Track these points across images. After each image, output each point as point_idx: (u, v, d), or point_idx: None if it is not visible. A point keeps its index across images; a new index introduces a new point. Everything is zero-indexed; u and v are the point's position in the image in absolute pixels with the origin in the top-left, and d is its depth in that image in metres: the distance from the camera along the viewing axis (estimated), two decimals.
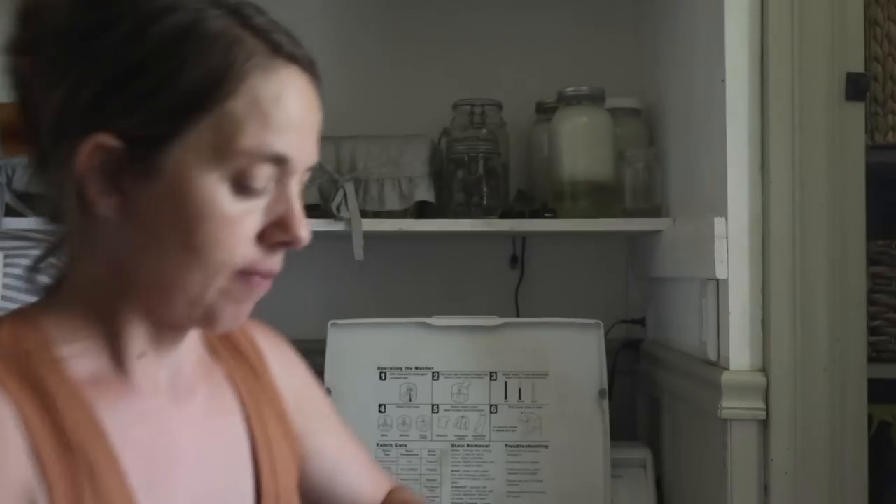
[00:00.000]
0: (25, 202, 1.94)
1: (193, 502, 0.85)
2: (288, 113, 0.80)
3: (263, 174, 0.79)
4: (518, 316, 2.15)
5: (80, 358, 0.81)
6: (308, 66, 0.83)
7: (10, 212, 1.91)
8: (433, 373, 1.89)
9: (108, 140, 0.77)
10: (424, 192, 1.93)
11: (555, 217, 1.94)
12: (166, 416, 0.85)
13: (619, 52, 2.18)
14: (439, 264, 2.19)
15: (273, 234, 0.82)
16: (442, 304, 2.02)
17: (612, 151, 1.95)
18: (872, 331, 1.62)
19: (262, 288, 0.83)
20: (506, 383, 1.88)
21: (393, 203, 1.92)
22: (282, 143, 0.79)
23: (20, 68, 0.81)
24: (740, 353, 1.51)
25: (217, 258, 0.79)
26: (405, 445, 1.86)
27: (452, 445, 1.86)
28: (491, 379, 1.88)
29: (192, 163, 0.78)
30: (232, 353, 0.96)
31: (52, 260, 0.88)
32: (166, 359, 0.87)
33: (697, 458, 1.70)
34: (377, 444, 1.84)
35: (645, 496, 1.87)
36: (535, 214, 1.96)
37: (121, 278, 0.81)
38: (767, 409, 1.49)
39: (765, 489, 1.49)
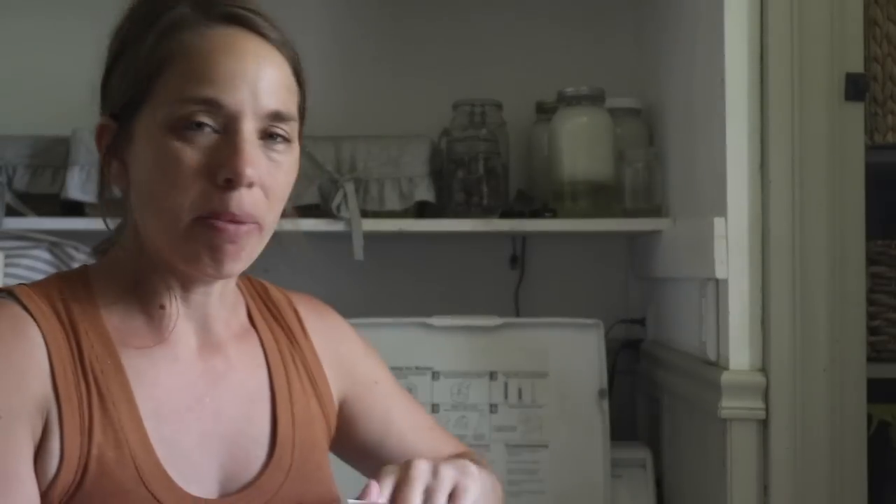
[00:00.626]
0: (25, 202, 1.94)
1: (202, 440, 0.95)
2: (217, 63, 0.91)
3: (200, 118, 0.90)
4: (518, 316, 2.15)
5: (112, 309, 0.95)
6: (249, 24, 0.94)
7: (11, 212, 1.91)
8: (433, 373, 1.89)
9: (105, 121, 0.95)
10: (424, 192, 1.93)
11: (555, 217, 1.94)
12: (187, 364, 0.97)
13: (619, 52, 2.18)
14: (439, 264, 2.19)
15: (216, 171, 0.90)
16: (442, 304, 2.02)
17: (612, 151, 1.95)
18: (872, 331, 1.62)
19: (229, 232, 0.91)
20: (506, 383, 1.88)
21: (393, 203, 1.92)
22: (209, 89, 0.90)
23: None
24: (740, 353, 1.51)
25: (174, 200, 0.90)
26: None
27: None
28: (491, 379, 1.89)
29: (149, 122, 0.91)
30: (272, 322, 1.07)
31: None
32: (192, 312, 0.98)
33: (697, 457, 1.70)
34: None
35: (645, 496, 1.87)
36: (535, 214, 1.96)
37: (138, 239, 0.96)
38: (767, 409, 1.49)
39: (765, 489, 1.49)
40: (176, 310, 0.97)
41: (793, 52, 1.49)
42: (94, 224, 1.95)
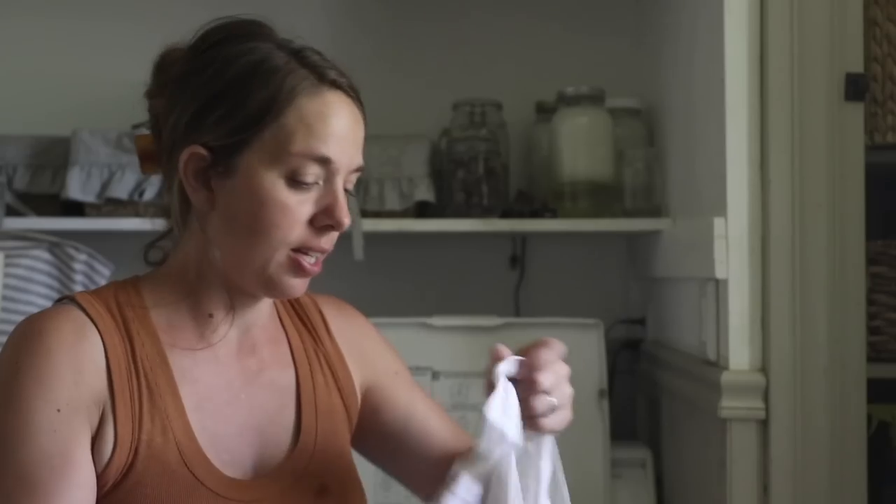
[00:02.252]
0: (25, 202, 1.94)
1: (238, 431, 1.07)
2: (329, 125, 1.03)
3: (311, 172, 1.02)
4: (518, 316, 2.15)
5: (162, 312, 1.07)
6: (350, 91, 1.06)
7: (11, 212, 1.91)
8: (433, 373, 1.89)
9: (198, 150, 1.03)
10: (424, 192, 1.93)
11: (555, 217, 1.94)
12: (226, 364, 1.09)
13: (619, 52, 2.18)
14: (439, 264, 2.19)
15: (320, 218, 1.04)
16: (442, 304, 2.02)
17: (612, 151, 1.95)
18: (872, 331, 1.62)
19: (314, 267, 1.06)
20: None
21: (393, 203, 1.92)
22: (323, 147, 1.02)
23: (155, 108, 1.10)
24: (740, 353, 1.51)
25: (275, 237, 1.02)
26: None
27: None
28: None
29: (257, 164, 1.02)
30: (299, 324, 1.19)
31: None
32: (238, 321, 1.10)
33: (697, 457, 1.70)
34: None
35: (645, 496, 1.87)
36: (535, 214, 1.96)
37: (206, 255, 1.06)
38: (767, 409, 1.49)
39: (765, 489, 1.49)
40: (224, 319, 1.09)
41: (793, 52, 1.49)
42: (93, 224, 1.97)
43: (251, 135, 1.02)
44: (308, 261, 1.05)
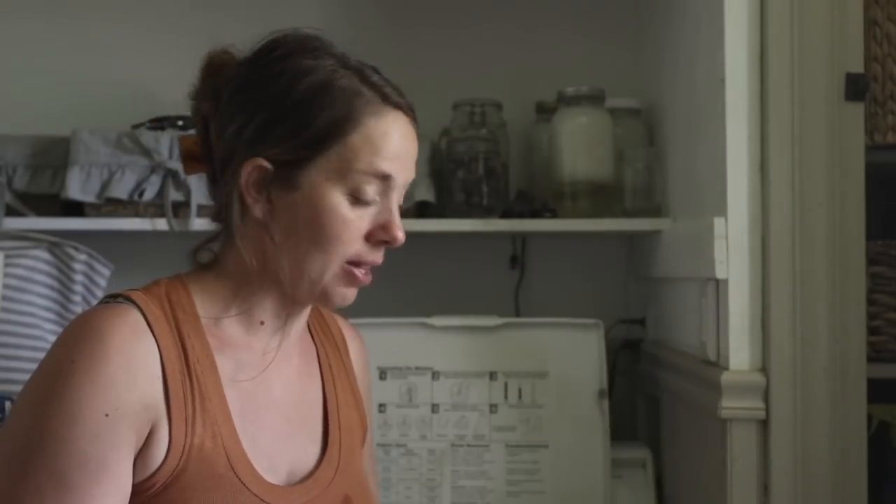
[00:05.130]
0: (25, 202, 1.94)
1: (275, 436, 1.10)
2: (392, 144, 1.07)
3: (372, 189, 1.06)
4: (518, 316, 2.15)
5: (212, 315, 1.08)
6: (409, 111, 1.11)
7: (11, 212, 1.91)
8: (433, 373, 1.89)
9: (263, 163, 1.05)
10: (424, 192, 1.93)
11: (555, 217, 1.94)
12: (268, 371, 1.11)
13: (619, 52, 2.18)
14: (439, 264, 2.19)
15: (377, 234, 1.08)
16: (442, 304, 2.02)
17: (612, 151, 1.95)
18: (872, 331, 1.62)
19: (366, 277, 1.10)
20: (506, 383, 1.88)
21: None
22: (386, 165, 1.06)
23: (203, 110, 1.11)
24: (740, 353, 1.51)
25: (336, 250, 1.06)
26: (405, 445, 1.86)
27: (452, 445, 1.86)
28: (491, 379, 1.89)
29: (322, 180, 1.05)
30: (324, 336, 1.23)
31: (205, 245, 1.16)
32: (281, 330, 1.12)
33: (697, 457, 1.70)
34: (377, 445, 1.84)
35: (645, 496, 1.87)
36: (535, 214, 1.96)
37: (262, 264, 1.08)
38: (767, 409, 1.49)
39: (765, 489, 1.49)
40: (274, 327, 1.12)
41: (793, 52, 1.49)
42: (93, 224, 1.97)
43: (316, 153, 1.05)
44: (360, 272, 1.09)
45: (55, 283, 1.86)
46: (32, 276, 1.85)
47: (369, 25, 2.19)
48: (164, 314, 1.05)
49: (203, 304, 1.09)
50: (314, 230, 1.06)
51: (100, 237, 1.95)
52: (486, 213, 1.94)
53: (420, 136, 2.04)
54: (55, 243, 1.88)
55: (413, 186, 1.91)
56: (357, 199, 1.06)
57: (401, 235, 1.09)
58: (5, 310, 1.82)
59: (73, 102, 2.11)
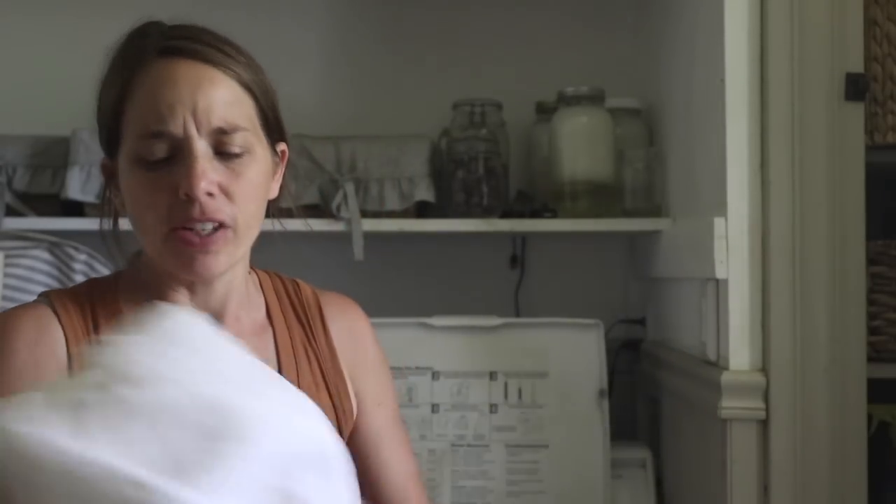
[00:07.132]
0: (25, 202, 1.94)
1: None
2: (157, 97, 1.04)
3: (156, 149, 1.04)
4: (518, 316, 2.15)
5: (131, 305, 1.09)
6: (185, 52, 1.06)
7: (11, 212, 1.91)
8: (433, 373, 1.89)
9: (105, 161, 1.12)
10: (424, 192, 1.93)
11: (555, 217, 1.94)
12: None
13: (619, 52, 2.18)
14: (439, 264, 2.19)
15: (178, 191, 1.04)
16: (442, 304, 2.02)
17: (612, 151, 1.95)
18: (872, 331, 1.62)
19: (198, 244, 1.04)
20: (506, 383, 1.88)
21: (393, 203, 1.92)
22: (156, 123, 1.03)
23: None
24: (740, 353, 1.51)
25: (150, 219, 1.05)
26: None
27: (452, 445, 1.86)
28: (491, 379, 1.89)
29: (123, 157, 1.07)
30: (293, 318, 1.19)
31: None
32: (200, 307, 1.10)
33: (697, 457, 1.70)
34: None
35: (645, 496, 1.87)
36: (535, 214, 1.96)
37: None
38: (767, 409, 1.49)
39: (765, 489, 1.49)
40: (187, 306, 1.10)
41: (793, 52, 1.49)
42: (93, 224, 1.95)
43: (115, 129, 1.07)
44: (193, 235, 1.04)
45: (55, 283, 1.86)
46: (32, 276, 1.85)
47: (369, 26, 2.19)
48: (78, 306, 1.08)
49: (126, 293, 1.12)
50: (131, 206, 1.07)
51: (99, 237, 1.95)
52: (486, 213, 1.93)
53: (418, 136, 2.05)
54: (55, 243, 1.88)
55: (413, 186, 1.91)
56: (143, 164, 1.04)
57: (198, 183, 1.02)
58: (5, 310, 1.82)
59: (73, 102, 2.10)
